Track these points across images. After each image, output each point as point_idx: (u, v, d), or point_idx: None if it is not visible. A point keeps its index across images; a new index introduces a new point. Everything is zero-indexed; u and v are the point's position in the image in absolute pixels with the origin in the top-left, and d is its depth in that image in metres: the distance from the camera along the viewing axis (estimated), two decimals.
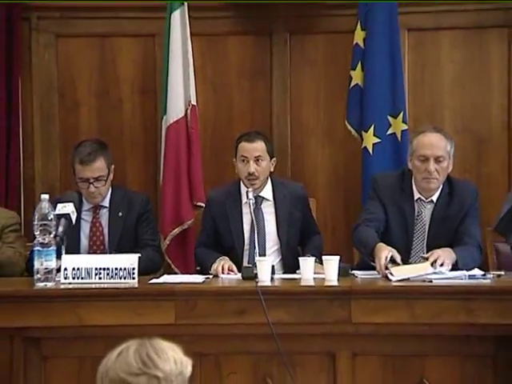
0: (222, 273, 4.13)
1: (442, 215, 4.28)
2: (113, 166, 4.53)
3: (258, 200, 4.45)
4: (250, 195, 4.32)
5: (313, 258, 3.96)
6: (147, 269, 4.20)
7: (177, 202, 4.96)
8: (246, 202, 4.40)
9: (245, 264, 4.30)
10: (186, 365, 2.23)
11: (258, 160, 4.40)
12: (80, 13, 5.25)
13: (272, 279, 3.87)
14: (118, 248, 4.38)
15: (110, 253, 4.37)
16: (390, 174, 4.53)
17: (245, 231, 4.44)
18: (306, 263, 3.92)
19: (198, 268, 4.66)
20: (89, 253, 4.44)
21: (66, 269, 3.84)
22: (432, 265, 3.88)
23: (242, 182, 4.49)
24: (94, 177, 4.40)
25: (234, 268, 4.17)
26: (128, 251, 4.12)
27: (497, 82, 5.19)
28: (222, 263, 4.20)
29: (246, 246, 4.44)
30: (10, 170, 5.18)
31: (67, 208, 4.13)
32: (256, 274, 3.82)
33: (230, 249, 4.42)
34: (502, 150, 5.17)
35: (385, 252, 3.93)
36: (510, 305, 3.66)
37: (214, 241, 4.51)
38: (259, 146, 4.43)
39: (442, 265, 3.86)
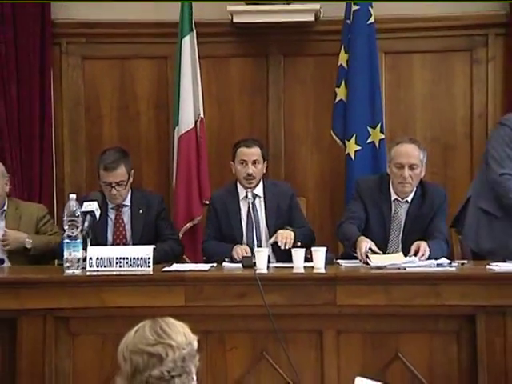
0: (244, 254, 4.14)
1: (415, 214, 4.30)
2: (132, 171, 4.52)
3: (253, 197, 4.44)
4: (250, 195, 4.35)
5: (303, 249, 3.94)
6: (169, 258, 4.22)
7: (188, 200, 4.96)
8: (243, 199, 4.43)
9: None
10: (194, 338, 2.25)
11: (254, 163, 4.42)
12: (103, 38, 5.26)
13: (268, 267, 3.87)
14: (139, 241, 4.37)
15: (133, 245, 4.37)
16: (370, 178, 4.54)
17: (243, 224, 4.45)
18: (297, 253, 3.92)
19: (205, 258, 4.64)
20: (112, 245, 4.41)
21: (91, 258, 3.85)
22: (415, 254, 3.92)
23: (238, 182, 4.49)
24: (115, 181, 4.41)
25: (249, 250, 4.19)
26: (148, 243, 4.10)
27: (461, 98, 5.20)
28: (243, 248, 4.23)
29: (244, 237, 4.43)
30: (43, 174, 5.19)
31: (92, 206, 4.12)
32: (255, 262, 3.83)
33: (231, 239, 4.41)
34: (465, 156, 5.19)
35: (365, 243, 3.97)
36: (471, 289, 3.68)
37: (220, 234, 4.50)
38: (256, 151, 4.45)
39: (422, 255, 3.91)
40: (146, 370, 2.17)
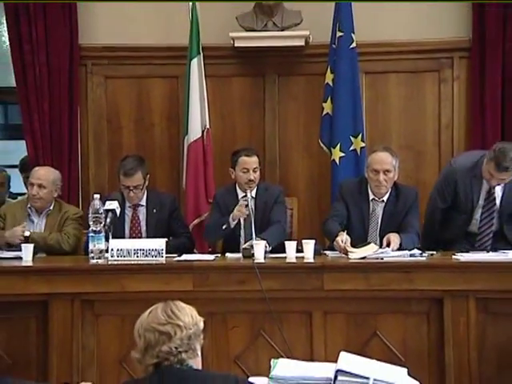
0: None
1: (390, 211, 4.30)
2: (148, 176, 4.51)
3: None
4: (248, 195, 4.35)
5: (294, 242, 3.95)
6: (181, 252, 4.18)
7: (196, 199, 4.95)
8: (240, 199, 4.40)
9: (241, 243, 4.33)
10: (200, 319, 2.26)
11: (254, 170, 4.43)
12: (122, 60, 5.26)
13: (265, 257, 3.86)
14: (153, 236, 4.35)
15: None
16: (351, 181, 4.54)
17: (241, 220, 4.39)
18: (290, 245, 3.93)
19: (210, 249, 4.69)
20: (129, 238, 4.42)
21: (112, 249, 3.86)
22: (388, 245, 3.92)
23: (237, 186, 4.49)
24: (133, 185, 4.41)
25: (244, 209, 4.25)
26: (160, 237, 4.09)
27: (430, 112, 5.21)
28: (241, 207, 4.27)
29: (242, 230, 4.42)
30: (71, 177, 5.19)
31: (113, 205, 4.14)
32: (253, 253, 3.83)
33: (230, 231, 4.39)
34: (434, 161, 5.19)
35: (340, 237, 3.95)
36: (439, 275, 3.70)
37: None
38: (255, 160, 4.46)
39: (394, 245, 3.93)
40: (156, 345, 2.18)
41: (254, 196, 4.46)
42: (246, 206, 4.28)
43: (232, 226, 4.34)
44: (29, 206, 4.55)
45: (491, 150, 4.12)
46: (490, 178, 4.14)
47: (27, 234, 4.36)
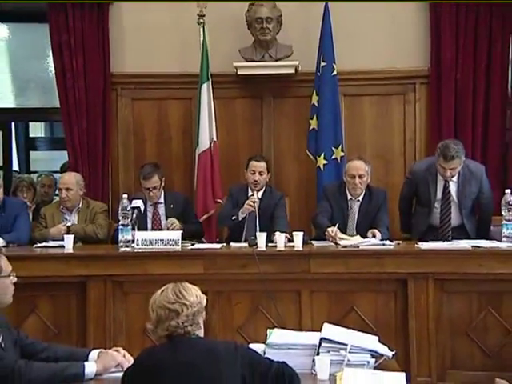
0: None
1: (365, 209, 4.32)
2: (163, 178, 4.52)
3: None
4: (255, 195, 4.36)
5: (283, 235, 3.94)
6: (195, 234, 4.23)
7: (204, 199, 4.93)
8: (249, 196, 4.40)
9: (244, 234, 4.35)
10: (203, 298, 2.26)
11: (260, 173, 4.43)
12: (146, 85, 5.23)
13: (266, 246, 3.85)
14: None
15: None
16: (333, 184, 4.55)
17: (240, 212, 4.37)
18: (280, 237, 3.92)
19: (217, 239, 4.69)
20: (151, 230, 4.41)
21: (137, 239, 3.87)
22: (374, 237, 3.96)
23: (249, 186, 4.50)
24: (152, 186, 4.43)
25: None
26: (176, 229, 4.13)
27: (397, 128, 5.17)
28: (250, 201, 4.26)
29: (245, 224, 4.41)
30: (103, 180, 5.19)
31: (138, 203, 4.18)
32: (257, 243, 3.83)
33: (237, 223, 4.39)
34: (400, 169, 5.15)
35: (331, 228, 3.98)
36: (404, 261, 3.73)
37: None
38: (263, 165, 4.46)
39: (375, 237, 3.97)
40: (166, 320, 2.19)
41: (259, 197, 4.45)
42: (254, 202, 4.27)
43: (240, 219, 4.33)
44: (61, 206, 4.56)
45: (437, 148, 4.15)
46: (443, 171, 4.13)
47: (69, 224, 4.39)
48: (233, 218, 4.32)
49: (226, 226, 4.62)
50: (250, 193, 4.46)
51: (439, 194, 4.23)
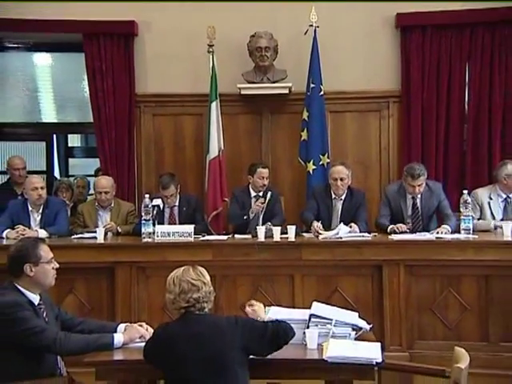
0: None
1: (347, 207, 4.30)
2: (179, 186, 4.50)
3: (258, 197, 4.48)
4: (266, 195, 4.38)
5: (279, 228, 3.92)
6: (201, 232, 4.16)
7: (214, 198, 4.89)
8: (253, 198, 4.43)
9: (249, 228, 4.31)
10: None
11: (266, 178, 4.49)
12: (164, 103, 5.18)
13: (265, 237, 3.85)
14: (184, 224, 4.30)
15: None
16: (320, 185, 4.53)
17: (250, 213, 4.40)
18: (276, 231, 3.90)
19: (224, 232, 4.65)
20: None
21: (157, 232, 3.85)
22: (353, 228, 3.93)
23: (250, 187, 4.50)
24: (169, 195, 4.40)
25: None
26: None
27: (374, 139, 5.13)
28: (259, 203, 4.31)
29: (250, 219, 4.41)
30: (129, 183, 5.16)
31: (158, 201, 4.22)
32: (258, 234, 3.85)
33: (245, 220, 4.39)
34: (376, 173, 5.12)
35: (314, 224, 3.98)
36: (380, 249, 3.73)
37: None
38: (267, 171, 4.53)
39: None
40: (189, 292, 2.21)
41: (261, 196, 4.47)
42: (262, 203, 4.30)
43: (251, 218, 4.35)
44: (96, 204, 4.55)
45: (403, 171, 4.18)
46: (412, 189, 4.14)
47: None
48: (245, 217, 4.34)
49: (237, 224, 4.58)
50: (252, 194, 4.50)
51: (410, 210, 4.23)
